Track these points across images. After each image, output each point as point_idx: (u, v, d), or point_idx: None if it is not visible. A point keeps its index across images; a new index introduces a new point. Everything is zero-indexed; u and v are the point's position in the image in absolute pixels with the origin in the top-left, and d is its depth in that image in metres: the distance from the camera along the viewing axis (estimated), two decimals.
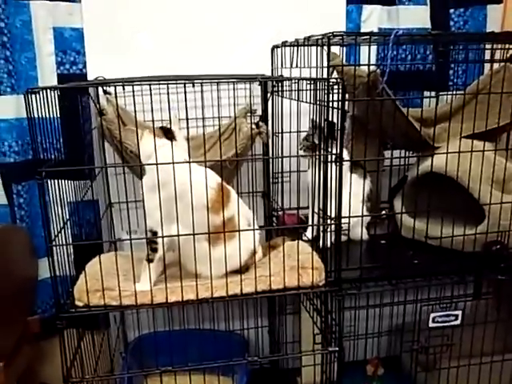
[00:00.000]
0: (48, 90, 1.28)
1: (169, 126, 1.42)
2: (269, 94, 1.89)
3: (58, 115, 1.42)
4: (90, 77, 1.88)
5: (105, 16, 1.88)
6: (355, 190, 1.63)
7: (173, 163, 1.28)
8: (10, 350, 1.74)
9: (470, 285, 1.75)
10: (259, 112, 1.90)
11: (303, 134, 1.76)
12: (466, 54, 1.90)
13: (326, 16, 2.01)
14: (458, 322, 1.65)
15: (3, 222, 1.92)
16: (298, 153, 1.76)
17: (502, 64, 1.79)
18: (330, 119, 1.39)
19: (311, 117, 1.56)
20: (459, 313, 1.64)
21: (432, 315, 1.63)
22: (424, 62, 2.12)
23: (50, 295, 2.04)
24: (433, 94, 2.02)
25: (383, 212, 1.94)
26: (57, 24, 1.87)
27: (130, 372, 1.56)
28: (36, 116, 1.26)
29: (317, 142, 1.65)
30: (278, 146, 1.91)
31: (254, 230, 1.43)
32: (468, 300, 1.69)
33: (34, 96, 1.23)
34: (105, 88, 1.75)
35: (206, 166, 1.39)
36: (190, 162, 1.31)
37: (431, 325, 1.64)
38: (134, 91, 1.35)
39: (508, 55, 1.79)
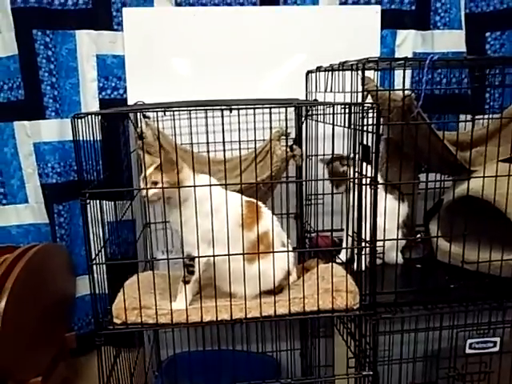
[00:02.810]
0: (92, 116, 1.34)
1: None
2: (303, 118, 1.92)
3: (100, 138, 1.47)
4: (130, 101, 1.95)
5: (145, 43, 1.96)
6: (390, 213, 1.62)
7: (210, 185, 1.32)
8: (47, 365, 1.78)
9: (508, 311, 1.71)
10: (293, 135, 1.92)
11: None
12: (503, 77, 1.89)
13: (361, 41, 2.03)
14: (496, 348, 1.61)
15: (44, 240, 1.98)
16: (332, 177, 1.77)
17: None
18: (366, 143, 1.40)
19: (344, 142, 1.57)
20: (497, 339, 1.61)
21: (469, 341, 1.60)
22: (459, 87, 2.11)
23: (87, 312, 2.09)
24: (468, 117, 2.01)
25: (418, 235, 1.93)
26: (100, 51, 1.96)
27: None
28: (80, 139, 1.32)
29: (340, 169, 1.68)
30: (312, 169, 1.92)
31: (288, 251, 1.44)
32: (506, 326, 1.65)
33: (79, 121, 1.28)
34: (144, 112, 1.81)
35: (241, 188, 1.42)
36: (226, 185, 1.34)
37: (468, 351, 1.61)
38: (174, 115, 1.40)
39: None
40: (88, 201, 1.31)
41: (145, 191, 1.36)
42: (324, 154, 1.82)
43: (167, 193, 1.36)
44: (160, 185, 1.34)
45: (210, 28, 1.99)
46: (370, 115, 1.35)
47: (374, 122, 1.33)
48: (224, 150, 1.43)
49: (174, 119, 1.31)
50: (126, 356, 1.63)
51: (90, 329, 2.13)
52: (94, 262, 1.32)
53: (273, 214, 1.52)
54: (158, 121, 1.49)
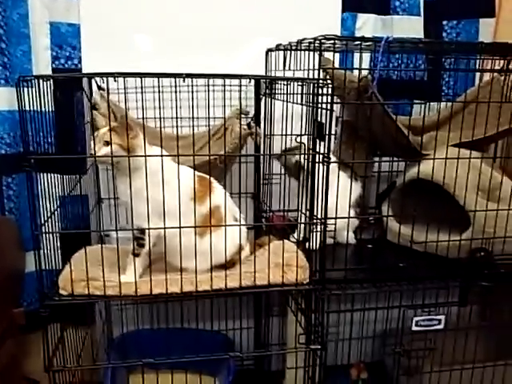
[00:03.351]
0: (40, 80, 1.29)
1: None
2: (261, 96, 1.92)
3: (52, 109, 1.43)
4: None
5: (102, 13, 1.90)
6: (343, 191, 1.64)
7: (161, 156, 1.30)
8: None
9: (454, 291, 1.77)
10: (252, 113, 1.92)
11: (293, 137, 1.77)
12: (457, 64, 1.94)
13: (321, 23, 2.03)
14: (441, 326, 1.66)
15: None
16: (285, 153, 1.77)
17: (492, 75, 1.83)
18: (320, 121, 1.41)
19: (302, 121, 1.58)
20: (442, 317, 1.66)
21: (415, 319, 1.65)
22: (415, 69, 2.15)
23: (36, 288, 2.04)
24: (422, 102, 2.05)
25: (371, 217, 1.96)
26: (54, 19, 1.89)
27: (112, 363, 1.56)
28: (28, 108, 1.28)
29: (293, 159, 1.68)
30: (269, 148, 1.93)
31: (240, 225, 1.45)
32: (453, 305, 1.71)
33: (26, 85, 1.24)
34: (99, 84, 1.77)
35: (194, 162, 1.41)
36: (178, 156, 1.32)
37: (414, 328, 1.65)
38: (126, 87, 1.37)
39: (498, 67, 1.82)
40: (35, 171, 1.27)
41: (95, 150, 1.33)
42: (281, 134, 1.82)
43: (116, 159, 1.33)
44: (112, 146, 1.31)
45: (171, 2, 1.95)
46: (325, 93, 1.36)
47: (328, 100, 1.34)
48: (177, 127, 1.42)
49: (125, 88, 1.28)
50: (75, 333, 1.61)
51: (39, 305, 2.08)
52: (40, 231, 1.29)
53: (229, 193, 1.52)
54: (108, 92, 1.45)
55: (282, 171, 1.87)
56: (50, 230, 1.33)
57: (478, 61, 1.91)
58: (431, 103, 1.92)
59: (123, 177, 1.36)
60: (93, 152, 1.35)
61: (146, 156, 1.31)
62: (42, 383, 1.89)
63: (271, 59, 1.91)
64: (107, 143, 1.32)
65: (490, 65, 1.87)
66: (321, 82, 1.33)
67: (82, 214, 1.81)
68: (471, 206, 1.65)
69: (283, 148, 1.77)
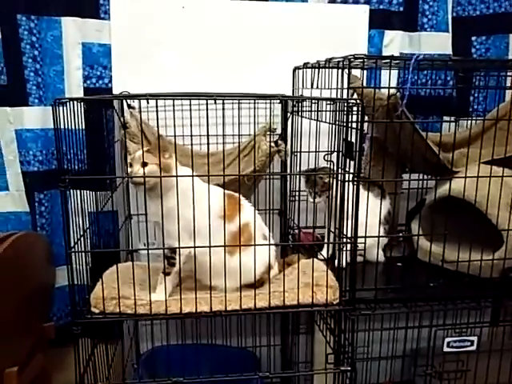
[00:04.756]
0: (75, 102, 1.32)
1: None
2: (289, 114, 1.92)
3: (83, 127, 1.46)
4: (116, 91, 1.93)
5: (132, 33, 1.94)
6: (372, 211, 1.63)
7: (192, 176, 1.31)
8: (24, 356, 1.75)
9: (485, 311, 1.73)
10: (279, 131, 1.92)
11: (321, 154, 1.77)
12: (487, 80, 1.91)
13: (349, 40, 2.04)
14: (473, 347, 1.63)
15: (24, 229, 1.95)
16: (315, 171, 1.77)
17: None
18: (350, 139, 1.41)
19: (329, 139, 1.58)
20: (475, 338, 1.62)
21: (447, 340, 1.62)
22: (444, 87, 2.13)
23: (66, 303, 2.07)
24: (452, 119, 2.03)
25: (400, 234, 1.94)
26: (86, 39, 1.93)
27: (142, 381, 1.57)
28: (62, 127, 1.31)
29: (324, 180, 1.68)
30: (296, 165, 1.93)
31: (269, 244, 1.45)
32: (484, 326, 1.67)
33: (61, 107, 1.27)
34: (129, 103, 1.80)
35: (224, 180, 1.42)
36: (209, 176, 1.33)
37: (446, 349, 1.62)
38: (157, 106, 1.39)
39: None
40: (69, 189, 1.30)
41: (134, 171, 1.36)
42: (309, 151, 1.82)
43: (153, 180, 1.35)
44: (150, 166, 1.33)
45: (199, 21, 1.98)
46: (355, 112, 1.35)
47: (358, 119, 1.34)
48: (208, 144, 1.43)
49: (157, 110, 1.30)
50: (104, 348, 1.62)
51: (69, 320, 2.10)
52: (73, 249, 1.31)
53: (256, 209, 1.52)
54: (141, 111, 1.47)
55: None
56: (82, 249, 1.35)
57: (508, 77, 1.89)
58: (461, 120, 1.90)
59: (154, 197, 1.38)
60: (129, 172, 1.37)
61: (177, 176, 1.32)
62: None
63: (298, 77, 1.92)
64: (145, 164, 1.34)
65: None
66: (351, 101, 1.32)
67: (114, 229, 1.83)
68: (504, 225, 1.62)
69: (311, 167, 1.76)
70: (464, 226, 1.64)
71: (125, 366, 1.92)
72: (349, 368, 1.44)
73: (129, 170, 1.39)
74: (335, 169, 1.43)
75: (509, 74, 1.88)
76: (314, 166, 1.75)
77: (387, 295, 1.59)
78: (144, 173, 1.34)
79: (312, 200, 1.73)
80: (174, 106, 1.31)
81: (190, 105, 1.33)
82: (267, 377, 1.41)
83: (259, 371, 2.00)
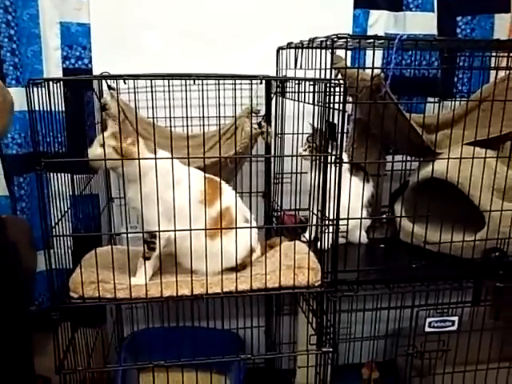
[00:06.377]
0: (50, 82, 1.28)
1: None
2: (272, 95, 1.90)
3: (63, 109, 1.43)
4: (96, 72, 1.89)
5: (112, 13, 1.89)
6: (355, 193, 1.63)
7: (171, 158, 1.29)
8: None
9: (467, 292, 1.75)
10: (262, 112, 1.90)
11: (305, 136, 1.76)
12: (471, 61, 1.90)
13: (333, 20, 2.01)
14: (454, 327, 1.64)
15: (4, 213, 1.92)
16: (297, 153, 1.76)
17: (507, 72, 1.79)
18: (332, 121, 1.39)
19: (313, 119, 1.56)
20: (456, 319, 1.64)
21: (428, 320, 1.63)
22: (428, 67, 2.12)
23: (47, 287, 2.05)
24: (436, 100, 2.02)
25: (384, 216, 1.94)
26: (64, 19, 1.88)
27: (124, 365, 1.56)
28: (39, 109, 1.27)
29: (317, 143, 1.65)
30: (280, 147, 1.91)
31: (251, 227, 1.44)
32: (466, 306, 1.69)
33: (36, 88, 1.23)
34: (109, 83, 1.76)
35: (204, 162, 1.40)
36: (188, 158, 1.31)
37: (427, 330, 1.63)
38: (135, 87, 1.37)
39: None
40: (45, 172, 1.27)
41: (89, 152, 1.33)
42: (292, 133, 1.80)
43: (113, 163, 1.33)
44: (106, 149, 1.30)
45: (181, 0, 1.93)
46: (338, 93, 1.34)
47: (341, 99, 1.32)
48: (187, 126, 1.41)
49: (135, 91, 1.27)
50: (86, 333, 1.61)
51: (50, 304, 2.09)
52: (52, 233, 1.29)
53: (240, 192, 1.51)
54: (118, 92, 1.44)
55: (293, 170, 1.86)
56: (61, 233, 1.33)
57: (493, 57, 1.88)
58: (445, 102, 1.89)
59: (132, 183, 1.35)
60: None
61: (156, 158, 1.29)
62: (52, 381, 1.90)
63: (282, 57, 1.89)
64: (102, 146, 1.31)
65: (505, 62, 1.83)
66: (333, 81, 1.30)
67: (93, 213, 1.81)
68: (486, 206, 1.62)
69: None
70: (446, 208, 1.64)
71: (108, 351, 1.92)
72: (330, 349, 1.45)
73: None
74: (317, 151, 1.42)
75: (493, 54, 1.87)
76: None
77: (369, 276, 1.59)
78: (101, 154, 1.30)
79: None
80: (152, 86, 1.29)
81: (169, 86, 1.30)
82: (249, 358, 1.41)
83: (243, 353, 2.02)
